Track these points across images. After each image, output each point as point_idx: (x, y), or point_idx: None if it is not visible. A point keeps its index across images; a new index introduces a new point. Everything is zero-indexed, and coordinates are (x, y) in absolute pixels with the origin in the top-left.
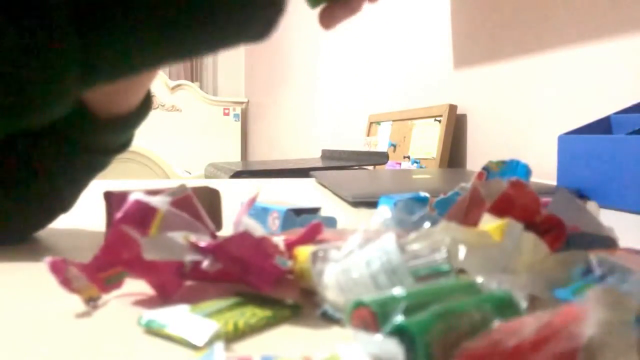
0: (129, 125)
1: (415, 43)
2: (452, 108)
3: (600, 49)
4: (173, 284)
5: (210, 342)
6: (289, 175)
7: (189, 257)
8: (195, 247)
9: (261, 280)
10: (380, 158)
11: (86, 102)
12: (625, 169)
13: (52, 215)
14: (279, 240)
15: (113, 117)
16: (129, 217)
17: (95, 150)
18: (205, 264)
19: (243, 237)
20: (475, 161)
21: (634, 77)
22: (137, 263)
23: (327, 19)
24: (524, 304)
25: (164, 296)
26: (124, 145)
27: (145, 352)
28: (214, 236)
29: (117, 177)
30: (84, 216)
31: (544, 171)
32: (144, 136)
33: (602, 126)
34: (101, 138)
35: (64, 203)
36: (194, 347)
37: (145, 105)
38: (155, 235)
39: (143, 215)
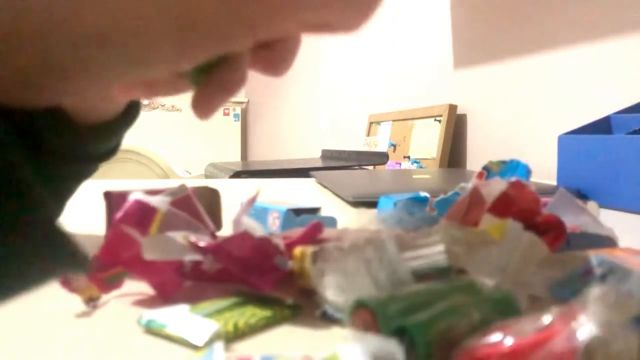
0: (112, 133)
1: (415, 43)
2: (452, 108)
3: (600, 49)
4: (173, 284)
5: (210, 342)
6: (289, 175)
7: (189, 257)
8: (195, 247)
9: (261, 280)
10: (380, 158)
11: (64, 108)
12: (625, 169)
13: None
14: (279, 240)
15: (94, 124)
16: (129, 217)
17: (77, 159)
18: (205, 264)
19: (243, 237)
20: (475, 161)
21: (633, 77)
22: (137, 263)
23: (205, 107)
24: (524, 304)
25: (164, 296)
26: (109, 152)
27: (145, 352)
28: (214, 236)
29: (117, 177)
30: (84, 216)
31: (544, 171)
32: (144, 136)
33: (602, 126)
34: (83, 146)
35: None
36: (194, 347)
37: (130, 111)
38: (155, 235)
39: (143, 215)
